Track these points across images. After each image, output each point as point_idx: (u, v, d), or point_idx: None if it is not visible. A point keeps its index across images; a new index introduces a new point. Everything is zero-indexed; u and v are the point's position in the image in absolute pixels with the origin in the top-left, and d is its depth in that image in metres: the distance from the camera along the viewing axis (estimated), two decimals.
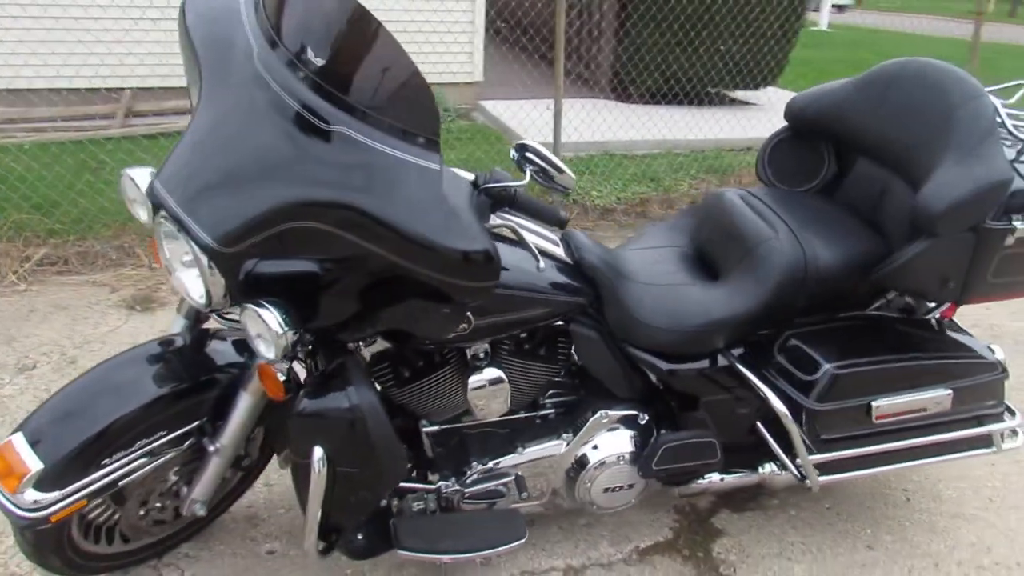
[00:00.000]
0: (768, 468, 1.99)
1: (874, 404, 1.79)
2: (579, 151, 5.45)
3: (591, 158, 5.35)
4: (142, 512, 1.84)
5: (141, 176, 1.55)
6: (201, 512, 1.84)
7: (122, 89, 5.43)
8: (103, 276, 3.69)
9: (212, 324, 1.87)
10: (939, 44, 9.47)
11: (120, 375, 1.67)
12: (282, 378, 1.55)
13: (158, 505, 1.85)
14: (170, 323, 1.85)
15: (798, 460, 1.91)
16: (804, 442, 1.81)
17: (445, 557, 1.77)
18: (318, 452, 1.54)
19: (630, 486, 1.93)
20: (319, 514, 1.60)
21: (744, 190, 2.07)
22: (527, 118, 5.49)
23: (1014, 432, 2.01)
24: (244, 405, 1.71)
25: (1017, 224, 1.71)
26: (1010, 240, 1.73)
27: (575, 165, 5.04)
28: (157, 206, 1.44)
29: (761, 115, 6.40)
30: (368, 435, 1.53)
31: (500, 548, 1.80)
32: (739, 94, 7.17)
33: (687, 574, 2.02)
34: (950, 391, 1.85)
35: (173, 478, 1.82)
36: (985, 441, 1.97)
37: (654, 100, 6.22)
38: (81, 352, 2.97)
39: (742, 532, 2.16)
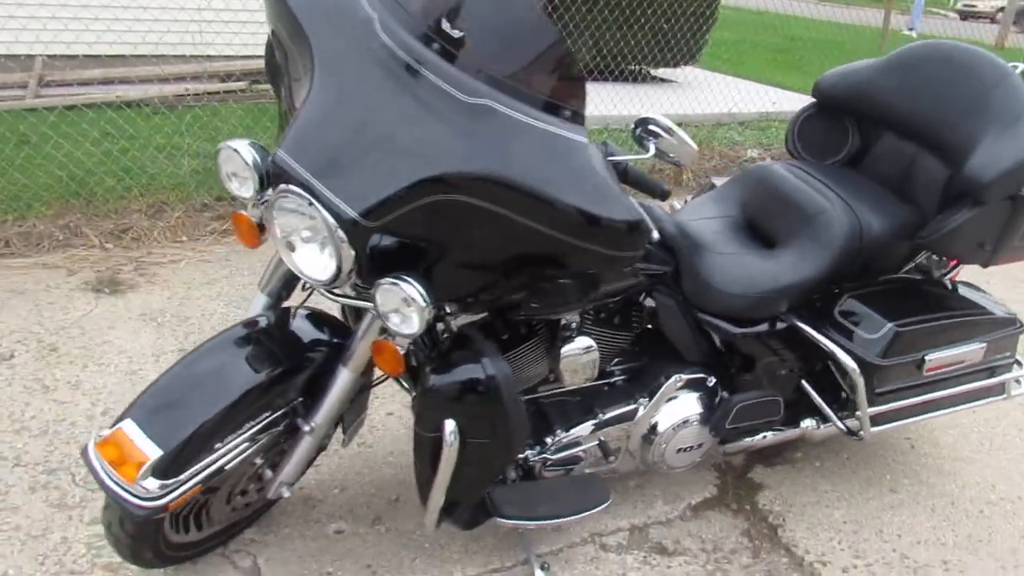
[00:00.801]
0: (807, 423, 2.14)
1: (927, 358, 1.96)
2: None
3: None
4: (227, 497, 1.78)
5: (244, 148, 1.50)
6: (287, 494, 1.80)
7: (33, 56, 5.01)
8: (52, 258, 3.44)
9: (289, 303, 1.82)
10: (830, 27, 10.10)
11: (218, 359, 1.60)
12: (402, 352, 1.54)
13: (244, 489, 1.79)
14: (251, 304, 1.79)
15: (844, 413, 2.07)
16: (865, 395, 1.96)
17: (547, 523, 1.82)
18: (450, 425, 1.54)
19: (699, 445, 2.02)
20: (446, 487, 1.60)
21: (787, 163, 2.19)
22: None
23: (1018, 381, 2.24)
24: (343, 382, 1.67)
25: None
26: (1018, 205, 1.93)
27: None
28: (277, 178, 1.39)
29: (683, 92, 6.63)
30: (503, 404, 1.55)
31: (589, 512, 1.86)
32: (660, 72, 7.39)
33: (739, 526, 2.15)
34: (984, 344, 2.05)
35: (259, 461, 1.77)
36: (999, 390, 2.20)
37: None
38: (60, 339, 2.78)
39: (779, 484, 2.31)
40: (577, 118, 1.42)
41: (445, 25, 1.44)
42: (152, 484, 1.47)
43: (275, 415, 1.66)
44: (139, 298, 3.18)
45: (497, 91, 1.40)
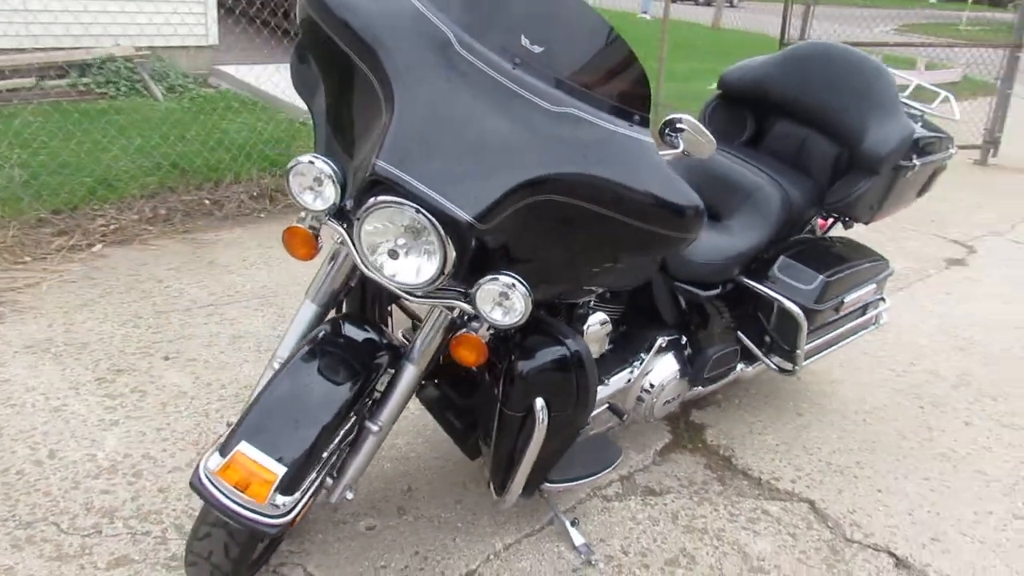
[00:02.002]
0: (741, 366, 2.55)
1: (844, 300, 2.43)
2: None
3: None
4: None
5: (321, 161, 1.55)
6: (350, 496, 1.83)
7: None
8: None
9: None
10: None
11: (307, 376, 1.61)
12: (485, 341, 1.66)
13: None
14: (298, 313, 1.80)
15: (772, 355, 2.49)
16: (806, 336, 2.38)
17: (585, 481, 2.03)
18: (540, 403, 1.69)
19: (678, 396, 2.34)
20: (534, 461, 1.75)
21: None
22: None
23: (883, 313, 2.82)
24: (409, 379, 1.75)
25: (916, 162, 2.44)
26: (909, 174, 2.46)
27: None
28: (366, 188, 1.46)
29: None
30: (586, 377, 1.73)
31: (613, 466, 2.10)
32: None
33: (700, 462, 2.51)
34: (874, 285, 2.57)
35: None
36: (873, 321, 2.75)
37: None
38: None
39: (716, 423, 2.71)
40: (644, 122, 1.63)
41: (524, 41, 1.58)
42: (280, 501, 1.48)
43: (354, 421, 1.70)
44: (13, 330, 2.88)
45: (577, 100, 1.57)
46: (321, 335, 1.70)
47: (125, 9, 5.18)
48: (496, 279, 1.51)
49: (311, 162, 1.56)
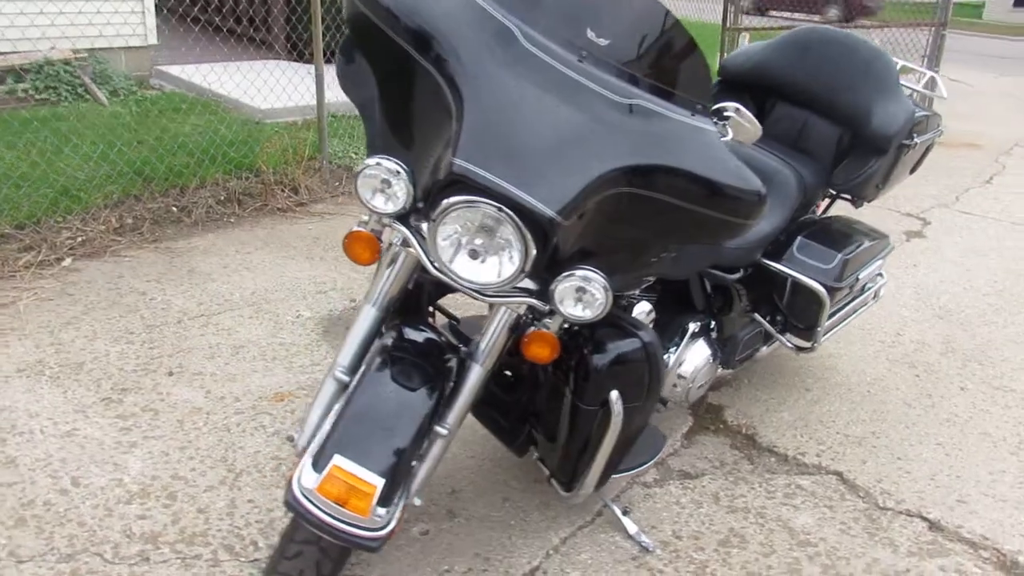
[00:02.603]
0: (764, 348, 2.61)
1: (858, 277, 2.50)
2: (306, 114, 5.34)
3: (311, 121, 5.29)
4: None
5: (392, 163, 1.52)
6: (418, 502, 1.80)
7: None
8: None
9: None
10: None
11: (386, 384, 1.57)
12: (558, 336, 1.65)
13: None
14: (358, 318, 1.75)
15: (787, 334, 2.56)
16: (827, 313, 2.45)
17: (639, 469, 2.04)
18: (614, 395, 1.70)
19: (709, 380, 2.37)
20: (608, 455, 1.75)
21: None
22: (237, 83, 5.17)
23: (882, 288, 2.92)
24: (476, 380, 1.72)
25: (916, 140, 2.53)
26: (910, 152, 2.55)
27: (307, 130, 4.97)
28: (447, 186, 1.43)
29: None
30: (658, 366, 1.74)
31: (661, 453, 2.12)
32: None
33: (725, 442, 2.56)
34: (881, 261, 2.66)
35: None
36: (874, 296, 2.85)
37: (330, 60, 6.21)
38: None
39: (733, 404, 2.76)
40: (706, 111, 1.65)
41: (591, 34, 1.57)
42: (380, 512, 1.44)
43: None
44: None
45: (645, 91, 1.57)
46: (391, 342, 1.66)
47: (63, 10, 4.91)
48: (573, 274, 1.51)
49: (378, 163, 1.52)
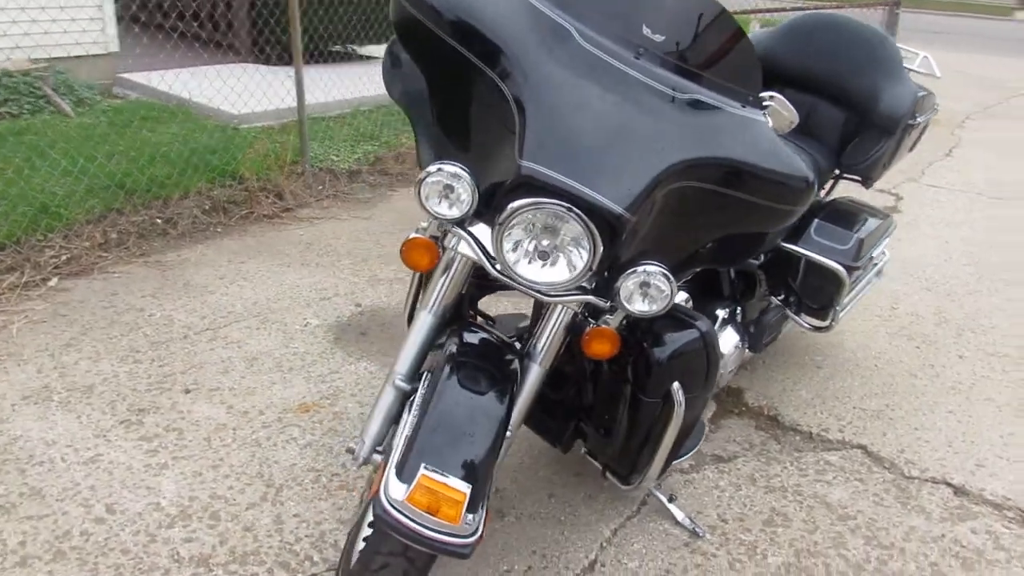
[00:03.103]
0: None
1: (872, 256, 2.57)
2: (281, 118, 5.25)
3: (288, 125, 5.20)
4: None
5: (458, 168, 1.51)
6: None
7: None
8: None
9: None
10: None
11: (459, 391, 1.55)
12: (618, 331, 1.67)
13: None
14: (416, 326, 1.74)
15: (802, 315, 2.62)
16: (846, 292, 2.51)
17: (684, 458, 2.08)
18: (676, 387, 1.72)
19: (738, 364, 2.42)
20: (671, 445, 1.78)
21: None
22: (204, 88, 5.05)
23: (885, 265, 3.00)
24: (535, 380, 1.73)
25: (919, 119, 2.60)
26: (914, 132, 2.62)
27: (285, 134, 4.89)
28: (514, 188, 1.44)
29: None
30: (716, 356, 1.76)
31: (701, 441, 2.16)
32: (367, 50, 7.42)
33: (750, 424, 2.61)
34: (888, 239, 2.73)
35: None
36: (878, 273, 2.93)
37: (287, 61, 6.03)
38: None
39: (751, 386, 2.82)
40: (756, 102, 1.67)
41: (646, 31, 1.59)
42: (470, 519, 1.44)
43: None
44: (0, 382, 2.62)
45: (699, 85, 1.59)
46: (455, 348, 1.65)
47: (16, 20, 4.73)
48: (636, 270, 1.52)
49: (440, 169, 1.51)
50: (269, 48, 6.40)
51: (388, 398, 1.72)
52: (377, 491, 1.45)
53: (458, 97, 1.66)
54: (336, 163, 4.81)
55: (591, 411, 1.93)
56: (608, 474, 1.95)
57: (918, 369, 2.97)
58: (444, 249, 1.66)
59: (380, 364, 2.82)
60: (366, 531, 1.83)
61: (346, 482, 2.22)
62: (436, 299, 1.72)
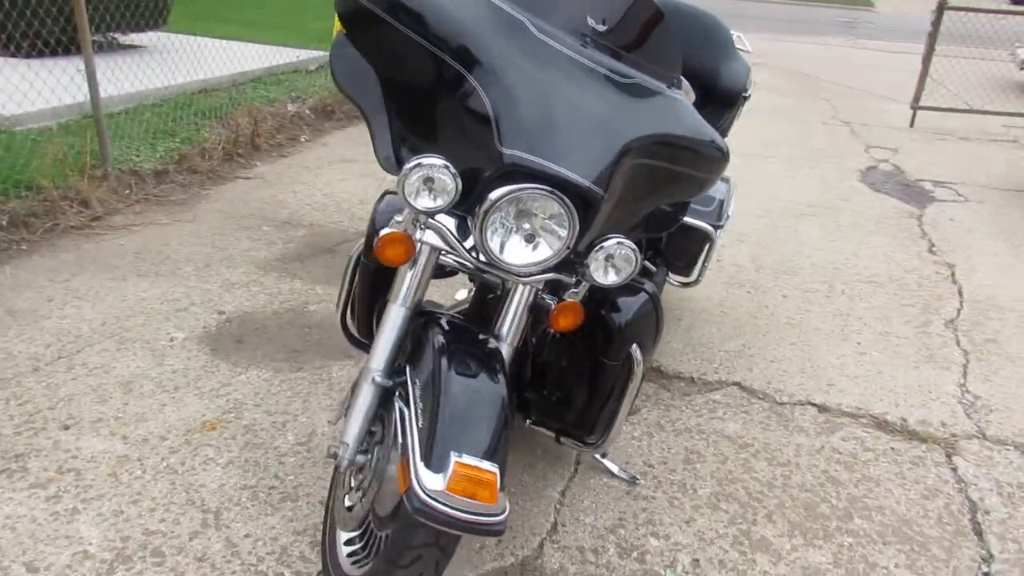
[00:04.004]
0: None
1: (729, 213, 2.89)
2: (60, 116, 4.70)
3: (73, 124, 4.69)
4: None
5: (441, 160, 1.54)
6: None
7: None
8: None
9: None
10: None
11: (463, 376, 1.58)
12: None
13: None
14: (388, 320, 1.72)
15: (670, 274, 2.90)
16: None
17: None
18: (635, 348, 1.87)
19: None
20: (631, 403, 1.92)
21: None
22: None
23: None
24: (507, 359, 1.80)
25: (750, 91, 2.96)
26: (745, 103, 2.97)
27: (73, 135, 4.41)
28: (505, 175, 1.52)
29: (159, 57, 6.23)
30: (661, 314, 1.92)
31: None
32: (130, 39, 6.77)
33: None
34: (733, 198, 3.08)
35: None
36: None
37: (44, 53, 5.41)
38: None
39: None
40: (679, 83, 1.85)
41: (590, 21, 1.69)
42: (501, 497, 1.49)
43: None
44: None
45: (638, 71, 1.74)
46: (443, 337, 1.67)
47: None
48: (603, 245, 1.65)
49: (419, 164, 1.52)
50: (20, 37, 5.65)
51: (367, 397, 1.70)
52: (409, 487, 1.45)
53: (417, 89, 1.66)
54: (139, 163, 4.42)
55: (538, 383, 2.02)
56: (563, 439, 2.07)
57: (756, 311, 3.39)
58: (418, 243, 1.66)
59: (271, 370, 2.70)
60: (348, 533, 1.81)
61: (287, 492, 2.14)
62: (408, 292, 1.72)
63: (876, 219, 4.67)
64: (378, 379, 1.69)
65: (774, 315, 3.37)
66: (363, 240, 1.97)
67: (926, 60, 7.04)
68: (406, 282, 1.71)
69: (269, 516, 2.05)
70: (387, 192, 1.99)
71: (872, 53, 12.42)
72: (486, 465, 1.47)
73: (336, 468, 1.97)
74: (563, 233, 1.55)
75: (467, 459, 1.46)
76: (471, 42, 1.57)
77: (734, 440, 2.50)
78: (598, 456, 2.30)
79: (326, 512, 1.92)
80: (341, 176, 4.87)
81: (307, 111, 5.94)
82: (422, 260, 1.70)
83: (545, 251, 1.58)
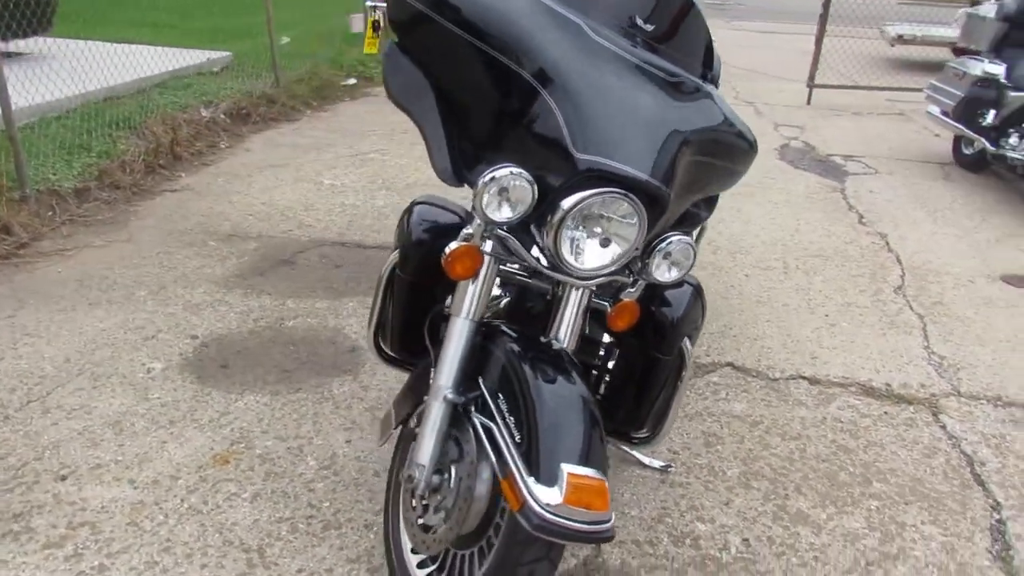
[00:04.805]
0: None
1: None
2: None
3: None
4: None
5: (503, 170, 1.51)
6: None
7: None
8: None
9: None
10: None
11: (551, 386, 1.55)
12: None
13: None
14: (453, 334, 1.68)
15: None
16: None
17: None
18: (686, 341, 1.89)
19: None
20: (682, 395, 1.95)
21: None
22: None
23: None
24: None
25: None
26: None
27: None
28: (583, 181, 1.52)
29: (53, 64, 5.78)
30: (705, 306, 1.95)
31: None
32: (20, 45, 6.22)
33: None
34: None
35: None
36: None
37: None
38: None
39: None
40: (712, 79, 1.88)
41: (638, 21, 1.69)
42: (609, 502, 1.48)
43: None
44: None
45: (678, 66, 1.76)
46: (517, 348, 1.64)
47: None
48: (664, 242, 1.66)
49: (492, 178, 1.49)
50: None
51: (439, 415, 1.66)
52: (523, 504, 1.42)
53: (476, 97, 1.62)
54: (57, 183, 4.10)
55: (599, 379, 2.02)
56: (608, 438, 2.07)
57: (724, 291, 3.51)
58: (485, 255, 1.62)
59: (268, 394, 2.58)
60: (420, 555, 1.76)
61: (328, 520, 2.05)
62: (473, 305, 1.68)
63: (804, 195, 4.91)
64: (450, 396, 1.65)
65: (742, 294, 3.49)
66: (395, 254, 1.91)
67: (819, 40, 7.43)
68: (469, 294, 1.67)
69: (316, 547, 1.96)
70: (416, 203, 1.93)
71: (749, 34, 12.99)
72: (594, 473, 1.46)
73: (389, 488, 1.92)
74: (633, 234, 1.55)
75: (576, 469, 1.44)
76: (533, 46, 1.55)
77: (744, 419, 2.58)
78: (627, 449, 2.32)
79: (387, 536, 1.86)
80: (275, 183, 4.68)
81: (222, 116, 5.66)
82: (484, 271, 1.66)
83: (615, 252, 1.58)
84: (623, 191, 1.49)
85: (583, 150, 1.48)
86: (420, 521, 1.72)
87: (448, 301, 1.97)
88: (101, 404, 2.48)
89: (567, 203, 1.49)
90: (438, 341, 1.87)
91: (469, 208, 2.09)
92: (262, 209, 4.24)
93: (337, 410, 2.51)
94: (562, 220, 1.49)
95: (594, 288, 1.74)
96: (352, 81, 7.49)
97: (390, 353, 2.05)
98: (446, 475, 1.69)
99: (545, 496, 1.41)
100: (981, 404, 2.74)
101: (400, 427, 1.90)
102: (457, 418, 1.68)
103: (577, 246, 1.56)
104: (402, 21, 1.61)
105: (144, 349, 2.81)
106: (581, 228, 1.55)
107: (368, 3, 1.77)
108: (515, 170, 1.48)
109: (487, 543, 1.63)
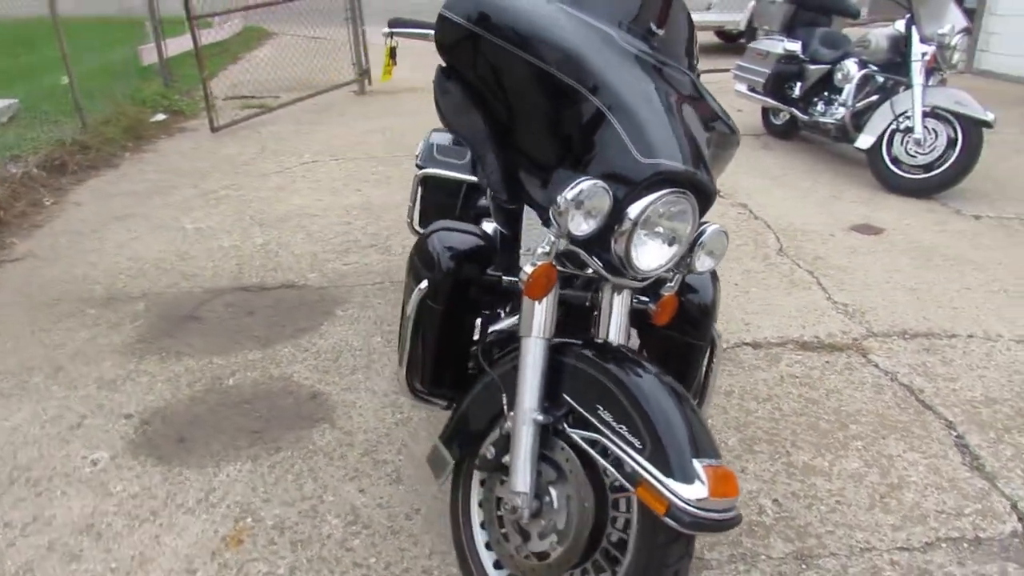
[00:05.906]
0: None
1: None
2: None
3: None
4: None
5: (586, 182, 1.53)
6: None
7: None
8: None
9: None
10: None
11: (651, 386, 1.57)
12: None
13: None
14: (529, 354, 1.65)
15: None
16: None
17: None
18: (717, 327, 1.98)
19: None
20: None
21: None
22: None
23: None
24: None
25: None
26: None
27: None
28: (650, 184, 1.57)
29: None
30: (720, 289, 2.04)
31: None
32: None
33: None
34: None
35: None
36: None
37: None
38: None
39: None
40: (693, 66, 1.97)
41: (652, 26, 1.75)
42: None
43: None
44: None
45: (688, 69, 1.84)
46: (585, 353, 1.65)
47: None
48: (704, 233, 1.75)
49: (579, 190, 1.50)
50: None
51: (529, 439, 1.63)
52: (670, 505, 1.44)
53: (529, 113, 1.60)
54: None
55: None
56: None
57: None
58: (559, 270, 1.61)
59: (248, 459, 2.37)
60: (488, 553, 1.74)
61: (391, 559, 1.94)
62: (545, 322, 1.66)
63: None
64: (539, 418, 1.62)
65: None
66: (422, 287, 1.84)
67: None
68: (538, 312, 1.66)
69: None
70: (434, 230, 1.88)
71: None
72: (720, 463, 1.51)
73: (459, 526, 1.85)
74: (687, 230, 1.62)
75: (707, 461, 1.48)
76: (580, 57, 1.56)
77: (716, 391, 2.73)
78: None
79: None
80: (130, 235, 4.25)
81: (35, 169, 5.04)
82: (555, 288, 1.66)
83: (674, 250, 1.63)
84: (683, 190, 1.55)
85: (646, 155, 1.51)
86: (529, 551, 1.68)
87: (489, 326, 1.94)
88: (59, 511, 2.16)
89: (635, 208, 1.52)
90: (493, 365, 1.84)
91: (487, 229, 2.06)
92: (130, 265, 3.84)
93: (332, 462, 2.36)
94: (635, 225, 1.52)
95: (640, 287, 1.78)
96: (161, 117, 6.95)
97: (422, 390, 1.97)
98: (546, 498, 1.66)
99: (689, 493, 1.44)
100: (895, 340, 3.09)
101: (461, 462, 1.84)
102: (546, 439, 1.66)
103: (641, 248, 1.60)
104: (450, 44, 1.55)
105: (75, 441, 2.47)
106: (643, 230, 1.58)
107: (384, 32, 1.69)
108: (591, 181, 1.49)
109: (605, 557, 1.63)
